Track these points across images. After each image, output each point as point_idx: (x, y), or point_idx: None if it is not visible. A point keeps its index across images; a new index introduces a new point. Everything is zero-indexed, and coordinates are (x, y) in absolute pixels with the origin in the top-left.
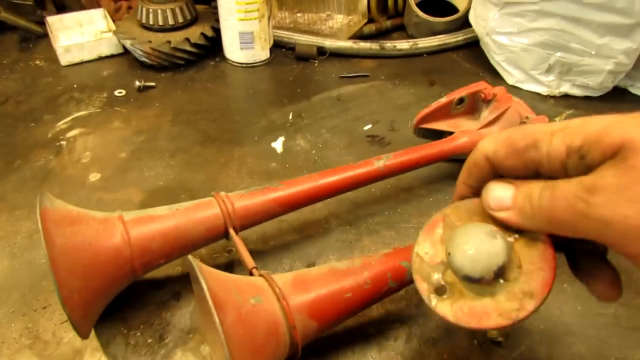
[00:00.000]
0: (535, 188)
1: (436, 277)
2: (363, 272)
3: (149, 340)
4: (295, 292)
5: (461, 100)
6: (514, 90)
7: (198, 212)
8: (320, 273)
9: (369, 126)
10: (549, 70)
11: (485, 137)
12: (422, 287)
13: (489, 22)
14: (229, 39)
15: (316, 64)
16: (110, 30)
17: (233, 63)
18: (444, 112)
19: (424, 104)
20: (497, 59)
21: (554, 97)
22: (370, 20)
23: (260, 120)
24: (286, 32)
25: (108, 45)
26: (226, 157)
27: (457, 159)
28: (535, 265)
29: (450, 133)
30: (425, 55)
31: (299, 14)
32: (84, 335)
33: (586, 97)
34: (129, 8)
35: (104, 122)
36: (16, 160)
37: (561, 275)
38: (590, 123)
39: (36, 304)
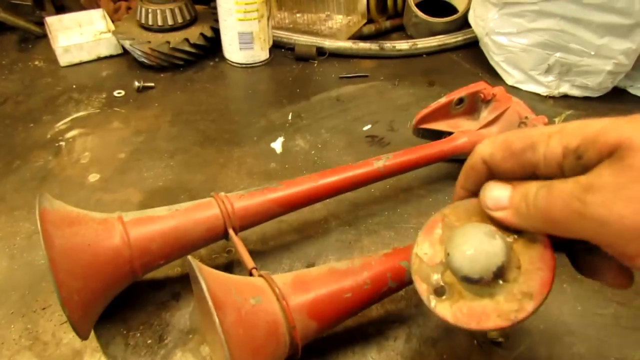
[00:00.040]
0: (531, 188)
1: (435, 277)
2: (363, 272)
3: (149, 341)
4: (295, 293)
5: (460, 101)
6: (514, 90)
7: (197, 213)
8: (320, 273)
9: (369, 126)
10: (548, 71)
11: (482, 141)
12: (422, 288)
13: (488, 23)
14: (228, 39)
15: (315, 65)
16: (109, 31)
17: (232, 63)
18: (444, 113)
19: (423, 104)
20: (496, 59)
21: (553, 97)
22: (370, 21)
23: (259, 121)
24: (285, 33)
25: (107, 46)
26: (225, 158)
27: (457, 159)
28: (534, 265)
29: (450, 133)
30: (424, 55)
31: (298, 14)
32: (83, 336)
33: (585, 98)
34: (128, 8)
35: (103, 122)
36: (15, 160)
37: (561, 275)
38: (588, 125)
39: (35, 304)
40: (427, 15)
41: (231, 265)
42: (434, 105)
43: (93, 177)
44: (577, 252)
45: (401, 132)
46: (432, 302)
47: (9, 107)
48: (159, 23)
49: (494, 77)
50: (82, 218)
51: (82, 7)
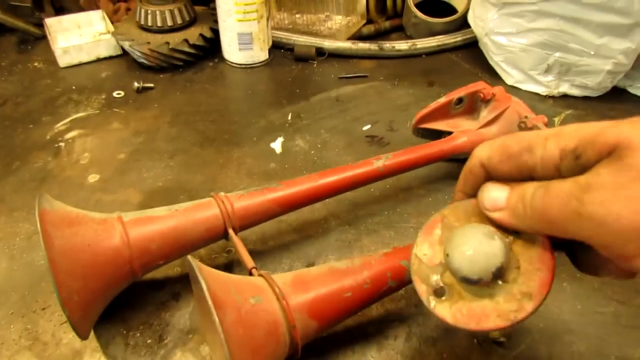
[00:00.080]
0: (528, 188)
1: (435, 278)
2: (363, 271)
3: (149, 341)
4: (295, 292)
5: (460, 100)
6: (513, 90)
7: (197, 213)
8: (319, 273)
9: (368, 126)
10: (547, 71)
11: (480, 145)
12: (421, 288)
13: (487, 23)
14: (227, 40)
15: (315, 65)
16: (108, 32)
17: (232, 64)
18: (443, 112)
19: (422, 104)
20: (496, 59)
21: (552, 97)
22: (369, 21)
23: (259, 121)
24: (285, 33)
25: (106, 47)
26: (225, 158)
27: (456, 159)
28: (533, 265)
29: (449, 133)
30: (424, 55)
31: (297, 15)
32: (83, 336)
33: (585, 97)
34: (128, 9)
35: (102, 123)
36: (15, 161)
37: (560, 274)
38: (585, 127)
39: (35, 305)
40: (427, 16)
41: (231, 265)
42: (433, 105)
43: (92, 178)
44: (577, 251)
45: (401, 132)
46: (432, 303)
47: (8, 109)
48: (159, 24)
49: (494, 77)
50: (82, 218)
51: (81, 9)
